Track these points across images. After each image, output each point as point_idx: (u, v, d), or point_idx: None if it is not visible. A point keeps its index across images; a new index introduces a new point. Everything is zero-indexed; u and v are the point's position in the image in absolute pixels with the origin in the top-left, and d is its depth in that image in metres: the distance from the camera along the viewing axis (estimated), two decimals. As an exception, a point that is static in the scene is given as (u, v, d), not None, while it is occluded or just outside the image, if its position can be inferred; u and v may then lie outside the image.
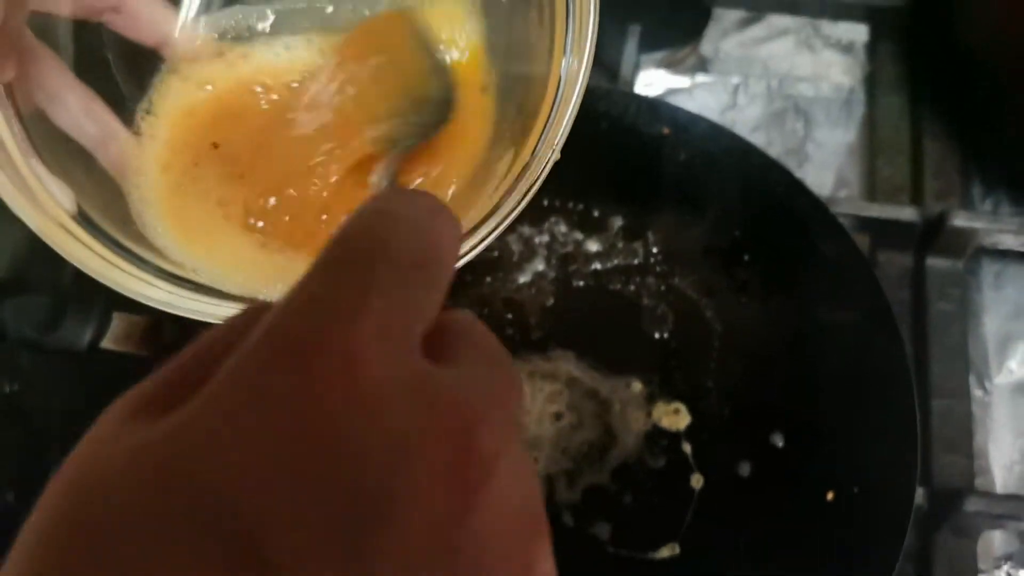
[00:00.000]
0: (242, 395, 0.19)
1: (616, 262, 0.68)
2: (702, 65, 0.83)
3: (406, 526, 0.18)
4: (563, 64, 0.42)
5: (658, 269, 0.67)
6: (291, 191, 0.43)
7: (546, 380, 0.63)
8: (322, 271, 0.21)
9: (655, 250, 0.67)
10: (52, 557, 0.18)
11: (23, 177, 0.37)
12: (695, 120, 0.68)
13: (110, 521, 0.18)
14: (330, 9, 0.46)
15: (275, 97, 0.45)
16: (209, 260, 0.42)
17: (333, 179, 0.43)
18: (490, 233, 0.39)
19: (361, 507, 0.18)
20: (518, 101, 0.45)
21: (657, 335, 0.65)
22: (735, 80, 0.82)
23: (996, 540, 0.62)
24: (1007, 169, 0.75)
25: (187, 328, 0.63)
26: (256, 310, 0.23)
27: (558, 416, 0.62)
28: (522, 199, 0.40)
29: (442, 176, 0.43)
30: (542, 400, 0.63)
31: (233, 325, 0.23)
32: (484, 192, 0.43)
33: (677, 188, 0.67)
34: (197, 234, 0.43)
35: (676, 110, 0.68)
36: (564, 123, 0.41)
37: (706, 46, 0.84)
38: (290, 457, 0.18)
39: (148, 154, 0.43)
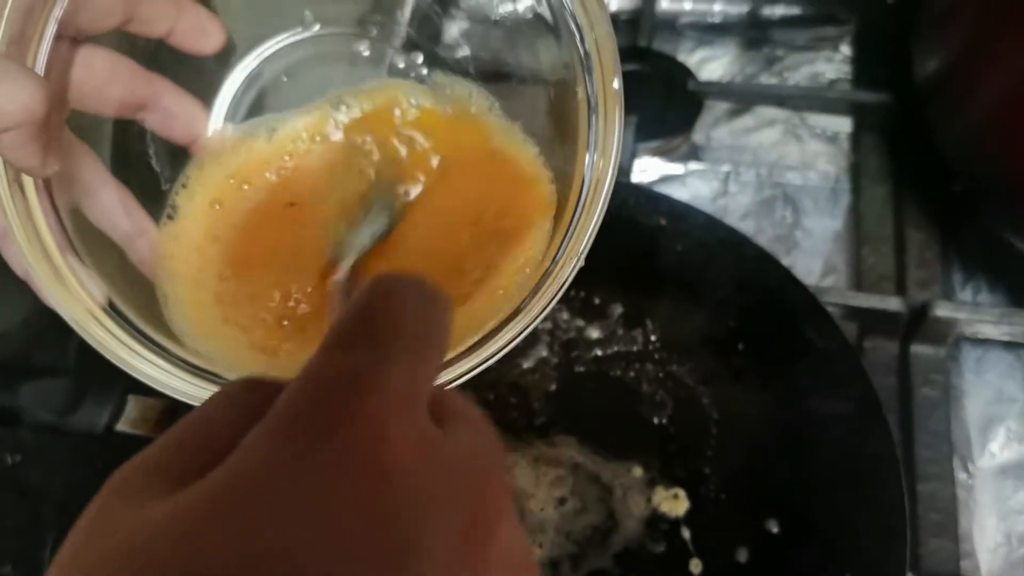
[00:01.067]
0: (274, 469, 0.20)
1: (616, 348, 0.70)
2: (695, 153, 0.87)
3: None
4: (587, 161, 0.42)
5: (657, 356, 0.70)
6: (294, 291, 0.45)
7: (550, 466, 0.65)
8: (338, 345, 0.23)
9: (654, 338, 0.70)
10: None
11: (58, 269, 0.39)
12: (691, 211, 0.72)
13: None
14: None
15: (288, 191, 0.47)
16: (224, 354, 0.43)
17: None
18: (516, 336, 0.40)
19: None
20: None
21: (656, 420, 0.67)
22: (726, 168, 0.86)
23: (983, 625, 0.65)
24: (984, 259, 0.79)
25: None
26: (254, 385, 0.24)
27: (562, 501, 0.64)
28: (549, 304, 0.40)
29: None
30: (546, 485, 0.65)
31: (235, 402, 0.24)
32: (499, 295, 0.44)
33: (675, 277, 0.71)
34: (213, 330, 0.44)
35: (673, 202, 0.72)
36: (591, 228, 0.41)
37: (698, 134, 0.88)
38: (331, 531, 0.19)
39: (174, 249, 0.45)
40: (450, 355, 0.41)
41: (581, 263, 0.41)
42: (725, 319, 0.69)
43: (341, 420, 0.20)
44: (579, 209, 0.42)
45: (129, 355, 0.39)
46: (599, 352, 0.70)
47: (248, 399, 0.23)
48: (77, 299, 0.39)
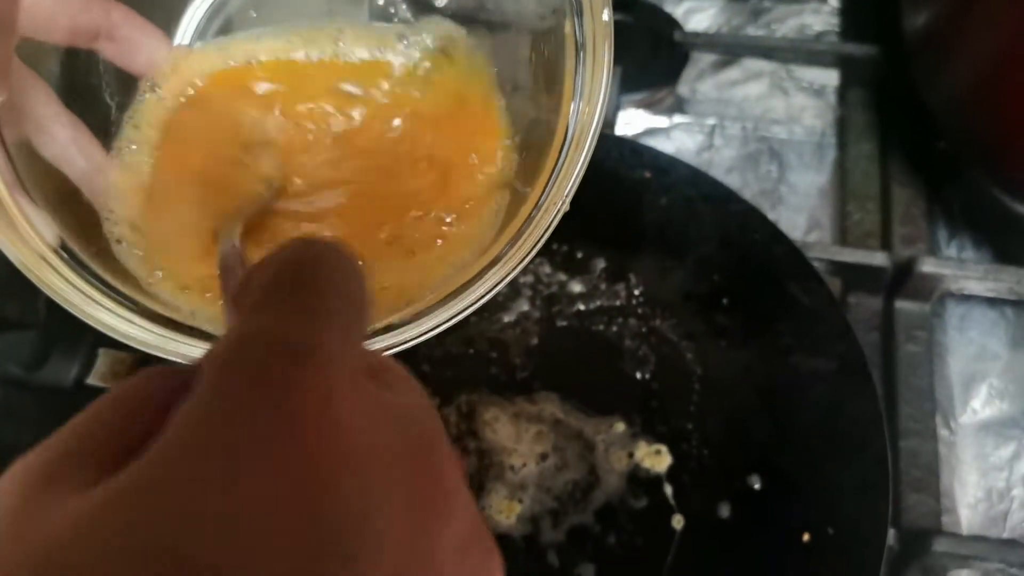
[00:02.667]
0: (211, 453, 0.17)
1: (599, 303, 0.69)
2: (680, 106, 0.86)
3: (391, 553, 0.18)
4: (572, 107, 0.41)
5: (640, 311, 0.69)
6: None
7: (531, 421, 0.64)
8: (265, 309, 0.21)
9: (637, 292, 0.69)
10: None
11: (6, 208, 0.37)
12: (675, 165, 0.70)
13: None
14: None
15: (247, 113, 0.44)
16: (184, 294, 0.41)
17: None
18: (496, 284, 0.39)
19: (347, 551, 0.17)
20: (523, 145, 0.44)
21: (639, 376, 0.67)
22: (711, 121, 0.84)
23: (963, 579, 0.65)
24: (969, 215, 0.78)
25: (173, 365, 0.63)
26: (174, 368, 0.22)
27: (543, 456, 0.63)
28: (531, 251, 0.39)
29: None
30: (528, 441, 0.64)
31: (156, 380, 0.22)
32: (479, 239, 0.43)
33: (658, 232, 0.69)
34: (175, 266, 0.42)
35: (658, 155, 0.70)
36: (577, 169, 0.40)
37: (683, 87, 0.86)
38: (281, 509, 0.17)
39: (129, 183, 0.42)
40: (421, 306, 0.39)
41: (566, 207, 0.40)
42: (709, 274, 0.68)
43: (283, 392, 0.18)
44: (564, 153, 0.41)
45: (83, 301, 0.38)
46: (581, 307, 0.69)
47: (172, 377, 0.21)
48: (27, 241, 0.37)
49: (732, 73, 0.87)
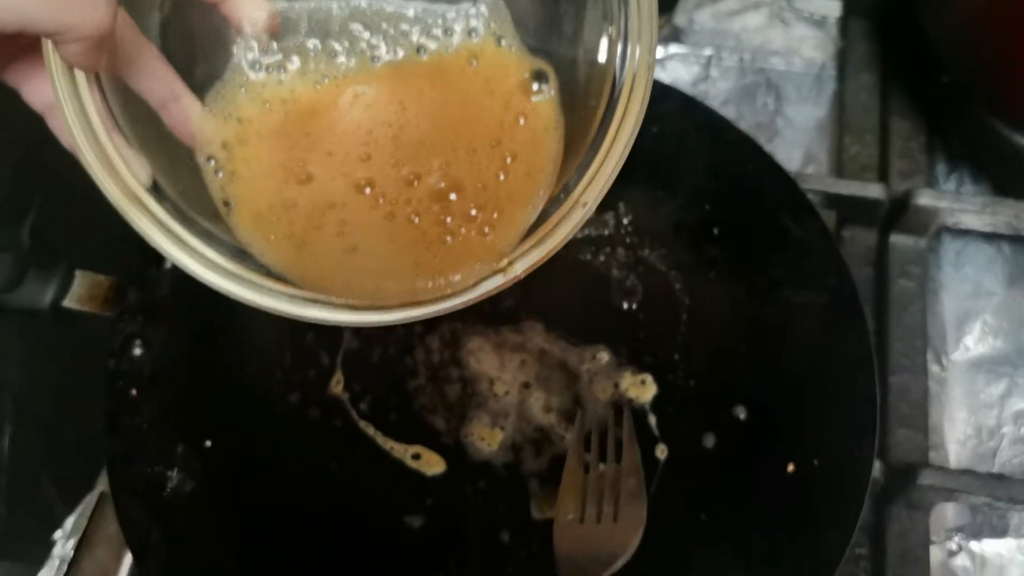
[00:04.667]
0: None
1: (586, 232, 0.68)
2: (676, 36, 0.83)
3: None
4: (619, 51, 0.40)
5: (628, 241, 0.67)
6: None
7: (515, 351, 0.63)
8: None
9: (626, 222, 0.68)
10: None
11: (103, 147, 0.38)
12: (669, 93, 0.68)
13: None
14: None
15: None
16: (258, 226, 0.42)
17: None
18: (580, 221, 0.40)
19: None
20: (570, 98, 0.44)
21: (626, 306, 0.65)
22: (708, 52, 0.82)
23: (948, 512, 0.64)
24: (969, 149, 0.76)
25: (151, 290, 0.62)
26: None
27: (526, 386, 0.63)
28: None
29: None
30: (512, 370, 0.63)
31: None
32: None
33: (650, 161, 0.67)
34: (259, 218, 0.42)
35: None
36: (629, 135, 0.40)
37: (680, 17, 0.84)
38: None
39: (218, 131, 0.43)
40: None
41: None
42: (700, 205, 0.67)
43: None
44: (616, 92, 0.40)
45: (170, 242, 0.38)
46: (569, 236, 0.67)
47: None
48: (121, 179, 0.38)
49: (730, 3, 0.85)
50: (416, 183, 0.43)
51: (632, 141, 0.40)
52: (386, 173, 0.43)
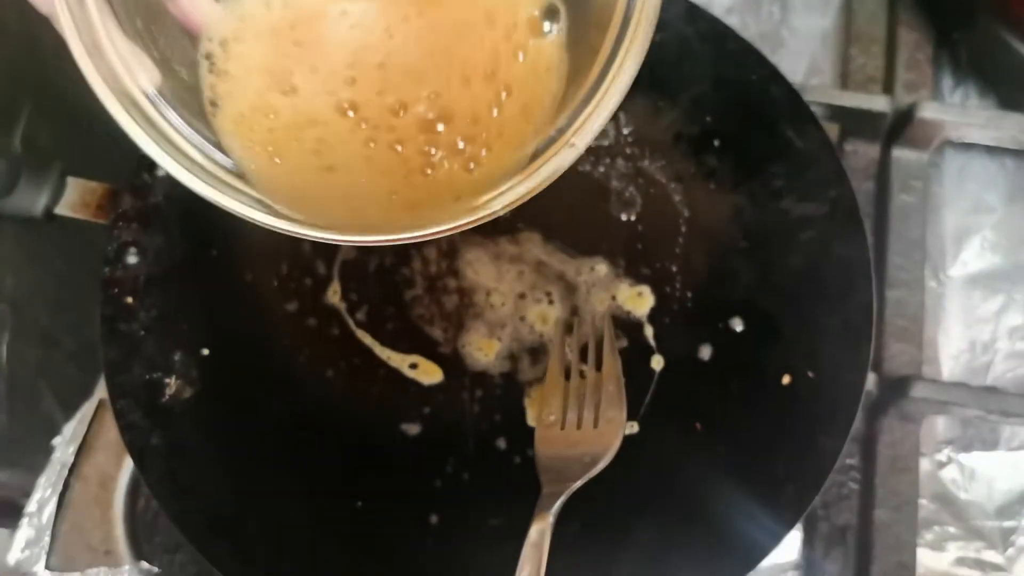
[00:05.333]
0: None
1: (586, 143, 0.67)
2: (680, -59, 0.81)
3: None
4: None
5: (628, 151, 0.66)
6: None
7: (513, 262, 0.63)
8: None
9: (626, 132, 0.67)
10: None
11: (100, 45, 0.36)
12: (671, 1, 0.66)
13: None
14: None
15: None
16: (240, 126, 0.41)
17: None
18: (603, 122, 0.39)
19: None
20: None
21: (624, 218, 0.65)
22: (713, -42, 0.80)
23: (940, 425, 0.65)
24: (977, 62, 0.75)
25: (145, 196, 0.62)
26: None
27: (523, 297, 0.62)
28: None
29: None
30: (509, 280, 0.63)
31: None
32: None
33: (651, 70, 0.66)
34: (240, 121, 0.42)
35: (653, -12, 0.66)
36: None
37: (685, -79, 0.81)
38: None
39: (222, 25, 0.42)
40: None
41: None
42: (702, 115, 0.66)
43: None
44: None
45: (163, 152, 0.37)
46: (568, 146, 0.66)
47: None
48: (114, 76, 0.37)
49: (738, -93, 0.82)
50: (402, 113, 0.42)
51: (629, 86, 0.40)
52: (370, 99, 0.42)
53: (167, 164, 0.38)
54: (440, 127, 0.42)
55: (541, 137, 0.41)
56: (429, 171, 0.41)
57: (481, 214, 0.39)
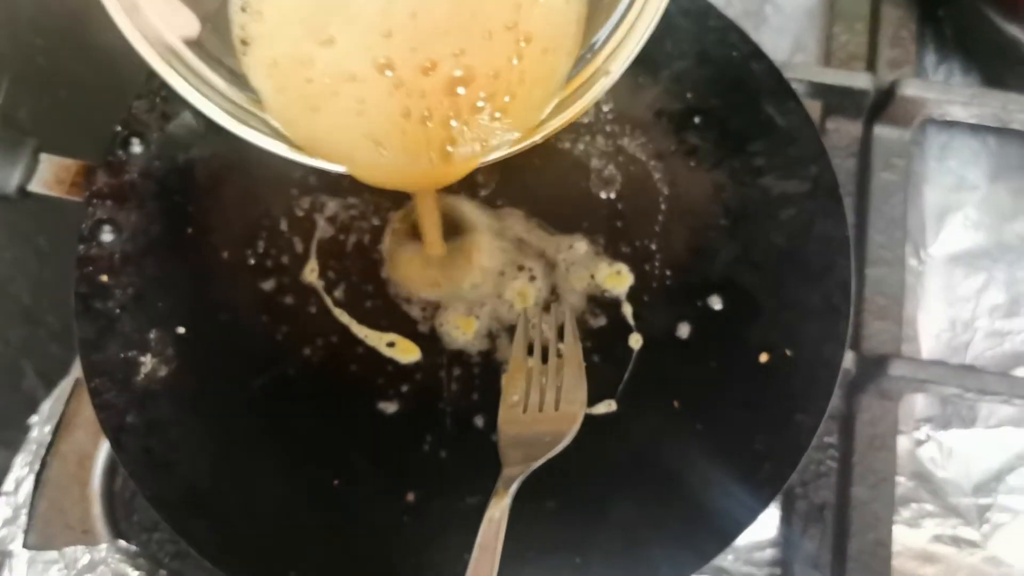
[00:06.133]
0: None
1: (566, 120, 0.66)
2: (664, -84, 0.80)
3: None
4: None
5: (608, 129, 0.66)
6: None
7: (494, 239, 0.63)
8: None
9: (606, 109, 0.66)
10: None
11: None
12: (653, -25, 0.66)
13: None
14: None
15: None
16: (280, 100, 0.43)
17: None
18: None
19: None
20: None
21: (604, 195, 0.64)
22: (697, -66, 0.79)
23: (918, 403, 0.65)
24: (960, 39, 0.75)
25: (121, 173, 0.61)
26: None
27: (502, 275, 0.62)
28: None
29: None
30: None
31: None
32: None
33: (632, 46, 0.66)
34: (274, 66, 0.43)
35: (634, -37, 0.66)
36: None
37: None
38: None
39: None
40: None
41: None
42: (683, 92, 0.65)
43: None
44: None
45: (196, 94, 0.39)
46: (548, 123, 0.66)
47: None
48: (147, 23, 0.38)
49: None
50: (431, 73, 0.42)
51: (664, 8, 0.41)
52: (404, 57, 0.43)
53: (207, 108, 0.39)
54: (461, 90, 0.42)
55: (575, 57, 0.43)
56: (449, 148, 0.43)
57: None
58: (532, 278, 0.62)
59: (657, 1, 0.41)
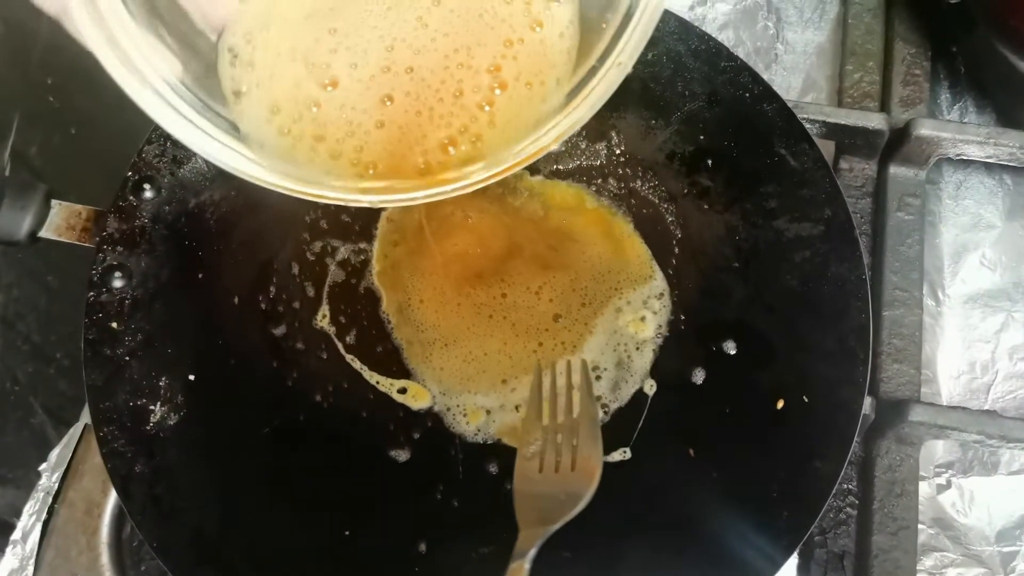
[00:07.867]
0: None
1: (578, 163, 0.66)
2: (674, -44, 0.80)
3: None
4: None
5: (620, 172, 0.65)
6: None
7: (503, 282, 0.62)
8: None
9: (619, 151, 0.66)
10: None
11: (116, 38, 0.37)
12: (664, 17, 0.65)
13: None
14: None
15: None
16: (271, 118, 0.43)
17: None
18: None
19: None
20: None
21: (617, 239, 0.64)
22: (707, -27, 0.79)
23: (939, 449, 0.64)
24: (974, 77, 0.74)
25: (131, 218, 0.61)
26: None
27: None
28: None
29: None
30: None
31: None
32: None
33: (643, 88, 0.65)
34: (275, 110, 0.43)
35: (645, 5, 0.66)
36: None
37: (679, -64, 0.81)
38: None
39: (246, 15, 0.43)
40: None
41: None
42: (695, 134, 0.65)
43: None
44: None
45: (188, 131, 0.39)
46: (559, 166, 0.66)
47: None
48: (138, 71, 0.38)
49: (732, -79, 0.81)
50: (425, 113, 0.42)
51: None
52: (404, 105, 0.42)
53: (195, 142, 0.39)
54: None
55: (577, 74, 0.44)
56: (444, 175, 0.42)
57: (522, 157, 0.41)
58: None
59: (642, 34, 0.42)
